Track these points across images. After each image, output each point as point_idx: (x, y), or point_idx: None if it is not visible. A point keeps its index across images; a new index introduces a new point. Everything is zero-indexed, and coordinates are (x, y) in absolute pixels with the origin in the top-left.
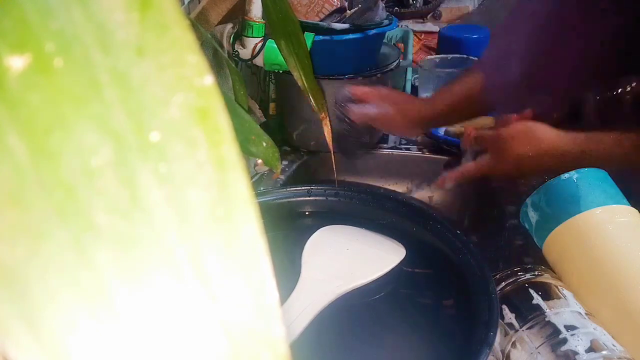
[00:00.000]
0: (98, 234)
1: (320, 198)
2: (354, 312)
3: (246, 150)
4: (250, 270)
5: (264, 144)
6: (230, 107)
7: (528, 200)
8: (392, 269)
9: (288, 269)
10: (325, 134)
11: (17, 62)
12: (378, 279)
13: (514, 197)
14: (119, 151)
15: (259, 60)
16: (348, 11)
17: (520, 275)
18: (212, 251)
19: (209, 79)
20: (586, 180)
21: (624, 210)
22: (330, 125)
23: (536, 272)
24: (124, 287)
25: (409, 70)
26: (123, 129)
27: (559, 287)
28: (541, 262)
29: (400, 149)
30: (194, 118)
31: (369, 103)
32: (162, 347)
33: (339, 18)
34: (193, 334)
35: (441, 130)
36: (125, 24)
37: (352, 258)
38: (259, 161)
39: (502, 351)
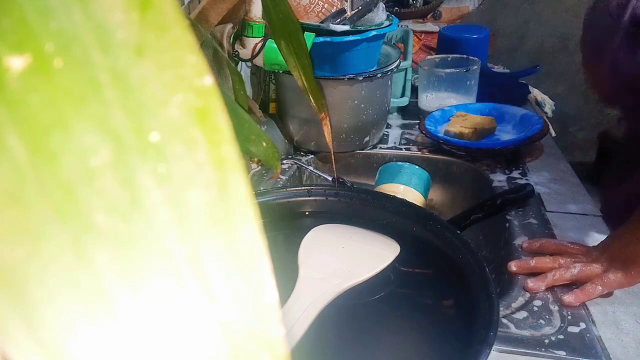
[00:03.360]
0: (97, 235)
1: (320, 198)
2: (354, 312)
3: (246, 150)
4: (250, 271)
5: (264, 144)
6: (230, 107)
7: None
8: (389, 265)
9: (288, 269)
10: (325, 134)
11: (16, 62)
12: (376, 275)
13: (513, 197)
14: (118, 151)
15: (259, 60)
16: (348, 13)
17: None
18: (211, 252)
19: (208, 79)
20: None
21: None
22: (330, 125)
23: None
24: (123, 287)
25: (409, 70)
26: (122, 129)
27: None
28: None
29: (400, 149)
30: (193, 118)
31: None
32: (162, 348)
33: (339, 20)
34: (192, 335)
35: (441, 131)
36: (125, 24)
37: (349, 256)
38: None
39: None
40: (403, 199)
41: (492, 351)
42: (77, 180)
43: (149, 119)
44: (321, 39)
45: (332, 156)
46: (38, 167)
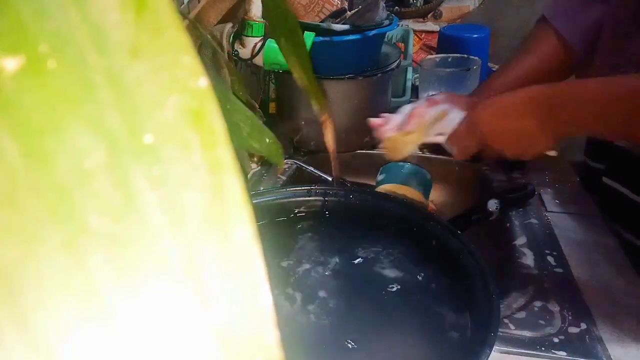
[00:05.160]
0: (91, 237)
1: (320, 198)
2: (354, 312)
3: (249, 146)
4: (244, 274)
5: (267, 140)
6: (232, 104)
7: None
8: None
9: (287, 270)
10: (328, 134)
11: (10, 63)
12: None
13: (514, 197)
14: (112, 153)
15: (258, 60)
16: (348, 12)
17: None
18: (206, 254)
19: (203, 81)
20: None
21: None
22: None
23: None
24: (117, 290)
25: (409, 69)
26: (117, 130)
27: None
28: (540, 261)
29: None
30: (188, 120)
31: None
32: (155, 352)
33: (339, 20)
34: (186, 338)
35: None
36: (120, 25)
37: None
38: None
39: None
40: (403, 199)
41: (492, 351)
42: (71, 182)
43: (143, 120)
44: (321, 38)
45: (333, 156)
46: (32, 168)
